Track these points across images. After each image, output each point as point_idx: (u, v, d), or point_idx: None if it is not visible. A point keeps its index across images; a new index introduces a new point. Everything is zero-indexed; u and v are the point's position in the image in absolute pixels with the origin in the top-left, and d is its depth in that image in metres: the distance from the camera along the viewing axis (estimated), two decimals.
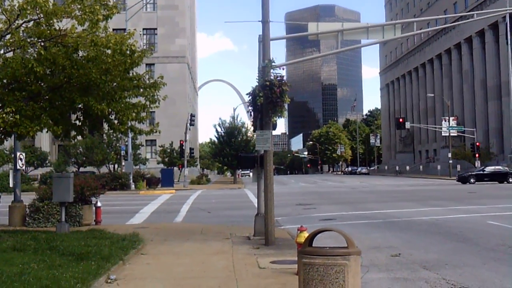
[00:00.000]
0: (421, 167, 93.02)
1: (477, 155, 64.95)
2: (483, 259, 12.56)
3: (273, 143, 15.98)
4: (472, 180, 51.92)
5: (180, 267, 12.10)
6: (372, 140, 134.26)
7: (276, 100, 14.88)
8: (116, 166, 59.97)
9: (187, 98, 79.84)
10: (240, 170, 61.99)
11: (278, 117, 16.14)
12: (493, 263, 12.11)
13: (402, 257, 13.03)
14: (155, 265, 12.38)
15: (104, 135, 58.37)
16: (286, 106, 15.76)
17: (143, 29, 76.75)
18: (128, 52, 15.47)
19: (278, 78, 15.13)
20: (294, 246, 12.07)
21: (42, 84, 15.84)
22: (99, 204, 22.56)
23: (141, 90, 16.96)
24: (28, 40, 15.21)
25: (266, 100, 14.96)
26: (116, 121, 17.04)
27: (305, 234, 10.12)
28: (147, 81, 17.18)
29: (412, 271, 11.46)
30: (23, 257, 11.91)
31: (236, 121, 72.15)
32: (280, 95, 14.82)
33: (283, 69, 16.07)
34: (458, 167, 69.79)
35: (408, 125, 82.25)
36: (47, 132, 17.54)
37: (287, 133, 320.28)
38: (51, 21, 15.22)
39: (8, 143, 31.40)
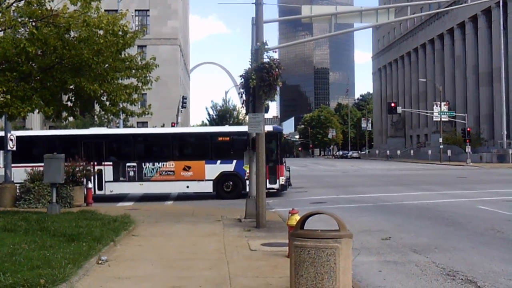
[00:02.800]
0: (412, 151, 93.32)
1: (467, 140, 65.26)
2: (472, 243, 12.68)
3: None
4: None
5: (171, 249, 12.13)
6: (363, 125, 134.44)
7: (273, 83, 14.82)
8: None
9: (179, 81, 79.34)
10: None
11: (271, 100, 16.13)
12: (482, 247, 12.22)
13: (392, 241, 13.13)
14: (146, 247, 12.40)
15: (96, 116, 58.08)
16: (278, 89, 15.72)
17: (135, 10, 75.86)
18: (120, 33, 15.35)
19: (275, 61, 15.05)
20: (285, 229, 12.11)
21: (34, 64, 15.72)
22: (90, 185, 22.58)
23: (133, 71, 16.87)
24: (19, 19, 15.04)
25: (262, 82, 14.87)
26: (107, 103, 16.96)
27: (297, 217, 10.14)
28: (139, 63, 17.08)
29: (403, 254, 11.55)
30: (14, 238, 11.87)
31: (228, 104, 72.10)
32: (276, 78, 14.78)
33: (275, 52, 15.98)
34: (449, 152, 70.14)
35: (399, 109, 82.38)
36: (38, 113, 17.45)
37: (279, 117, 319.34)
38: (43, 1, 15.08)
39: None
